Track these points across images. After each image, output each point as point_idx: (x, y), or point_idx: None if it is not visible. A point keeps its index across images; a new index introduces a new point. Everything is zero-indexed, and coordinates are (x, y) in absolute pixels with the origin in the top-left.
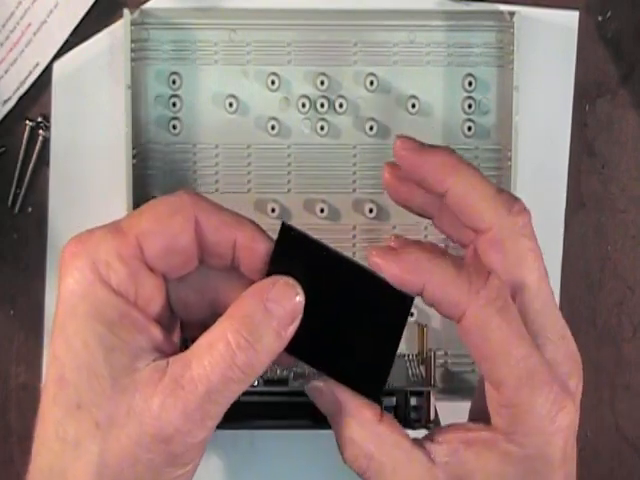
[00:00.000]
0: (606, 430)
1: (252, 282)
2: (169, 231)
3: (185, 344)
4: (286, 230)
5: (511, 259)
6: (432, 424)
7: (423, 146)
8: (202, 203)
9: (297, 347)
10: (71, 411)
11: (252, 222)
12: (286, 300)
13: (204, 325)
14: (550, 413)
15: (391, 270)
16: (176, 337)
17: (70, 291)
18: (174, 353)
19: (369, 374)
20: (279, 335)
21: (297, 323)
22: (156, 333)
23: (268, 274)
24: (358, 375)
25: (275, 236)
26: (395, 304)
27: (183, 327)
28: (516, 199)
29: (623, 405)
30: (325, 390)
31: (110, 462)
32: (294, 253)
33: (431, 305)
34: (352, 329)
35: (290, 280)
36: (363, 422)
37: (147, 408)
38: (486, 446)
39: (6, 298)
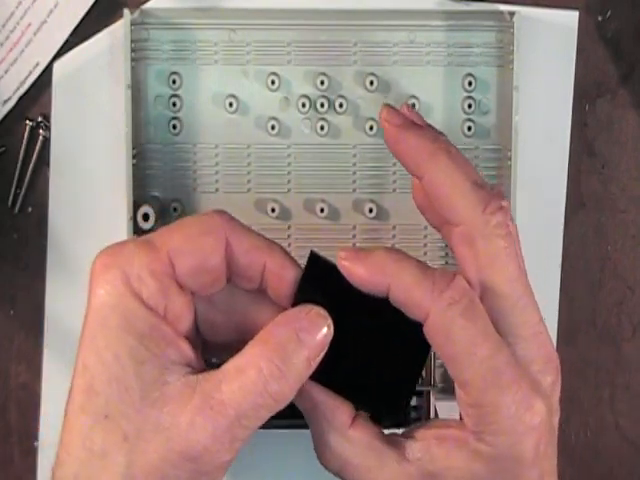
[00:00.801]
0: (606, 430)
1: (279, 308)
2: (200, 250)
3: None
4: (314, 259)
5: (481, 258)
6: None
7: (406, 125)
8: (234, 225)
9: (321, 373)
10: (99, 421)
11: (282, 248)
12: (317, 330)
13: (227, 347)
14: (518, 412)
15: (357, 271)
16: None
17: (101, 302)
18: (202, 371)
19: (390, 402)
20: (309, 364)
21: (324, 352)
22: (186, 348)
23: (295, 301)
24: (379, 402)
25: (274, 236)
26: (418, 336)
27: (205, 348)
28: (495, 195)
29: (623, 405)
30: (302, 388)
31: (136, 475)
32: (321, 282)
33: (399, 307)
34: (374, 358)
35: (321, 310)
36: (335, 426)
37: (176, 424)
38: (456, 444)
39: (6, 298)
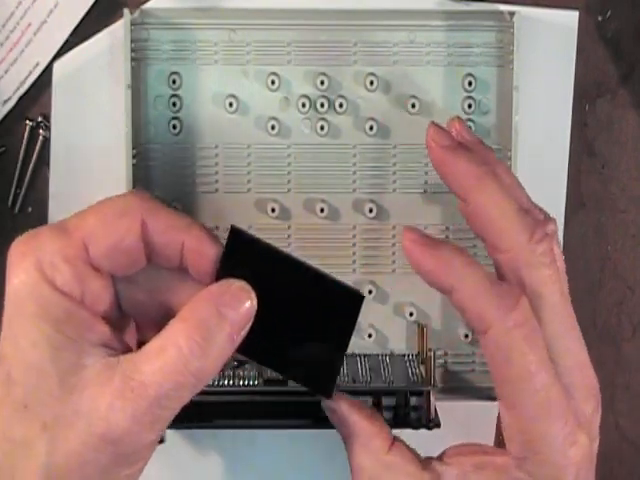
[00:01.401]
0: (606, 430)
1: (202, 285)
2: (115, 232)
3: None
4: (235, 233)
5: (528, 286)
6: (432, 423)
7: (453, 146)
8: (150, 204)
9: (248, 347)
10: (18, 411)
11: (202, 226)
12: (240, 304)
13: (158, 326)
14: (564, 446)
15: (426, 263)
16: (131, 337)
17: (16, 291)
18: (127, 352)
19: (320, 372)
20: (232, 339)
21: (249, 326)
22: (104, 330)
23: (217, 277)
24: (309, 373)
25: (274, 236)
26: (346, 303)
27: (138, 328)
28: (541, 223)
29: (623, 405)
30: (338, 411)
31: (58, 462)
32: (244, 257)
33: (457, 309)
34: (303, 328)
35: (244, 284)
36: (372, 450)
37: (95, 408)
38: (497, 471)
39: None
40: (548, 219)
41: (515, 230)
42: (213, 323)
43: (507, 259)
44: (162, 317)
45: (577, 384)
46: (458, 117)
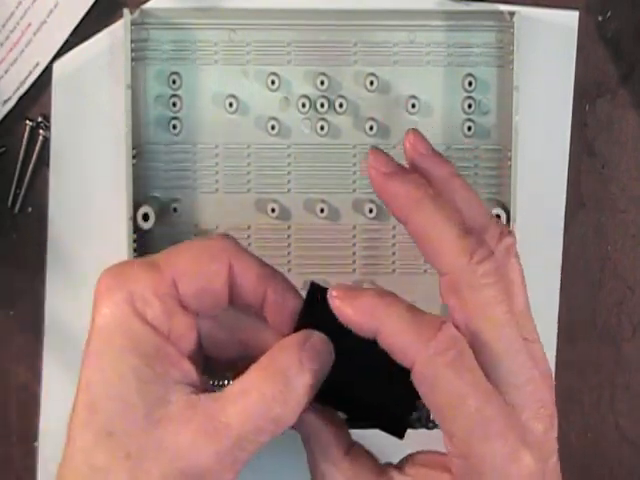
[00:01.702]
0: (606, 430)
1: (278, 332)
2: (205, 274)
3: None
4: (315, 290)
5: (470, 308)
6: (432, 424)
7: (392, 172)
8: (238, 251)
9: (323, 396)
10: (102, 438)
11: (283, 277)
12: (319, 356)
13: (231, 363)
14: (504, 465)
15: (346, 312)
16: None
17: (106, 322)
18: (204, 389)
19: (393, 418)
20: (311, 389)
21: (325, 377)
22: (188, 368)
23: (296, 329)
24: (383, 419)
25: (274, 236)
26: None
27: (209, 365)
28: (482, 243)
29: (623, 405)
30: (300, 416)
31: None
32: (321, 310)
33: (387, 351)
34: (374, 379)
35: (323, 336)
36: (329, 455)
37: (179, 443)
38: None
39: (6, 298)
40: (504, 235)
41: (454, 252)
42: (293, 372)
43: (448, 281)
44: (237, 357)
45: (526, 402)
46: (414, 129)
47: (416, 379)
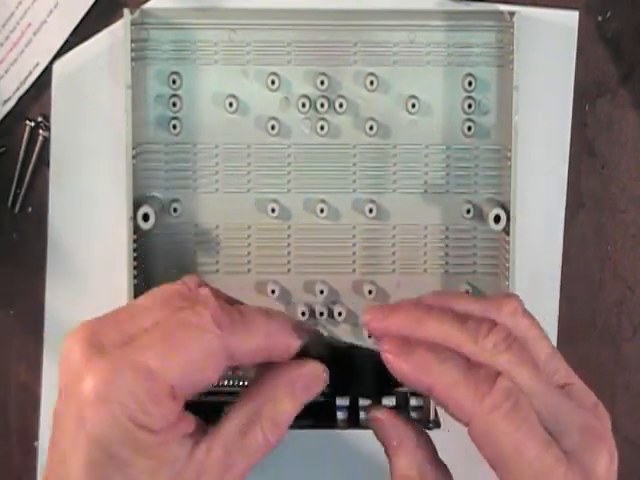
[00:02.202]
0: None
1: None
2: (202, 377)
3: None
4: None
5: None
6: (432, 424)
7: (399, 352)
8: (234, 340)
9: None
10: None
11: (285, 344)
12: (309, 388)
13: None
14: None
15: (401, 368)
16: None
17: (106, 437)
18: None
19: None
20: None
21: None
22: (189, 447)
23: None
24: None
25: (274, 236)
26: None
27: None
28: (485, 376)
29: (623, 405)
30: (385, 422)
31: None
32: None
33: (439, 405)
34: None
35: (316, 367)
36: (416, 462)
37: None
38: None
39: (6, 298)
40: (503, 302)
41: (468, 398)
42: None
43: (474, 431)
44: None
45: (583, 444)
46: (367, 309)
47: (473, 435)
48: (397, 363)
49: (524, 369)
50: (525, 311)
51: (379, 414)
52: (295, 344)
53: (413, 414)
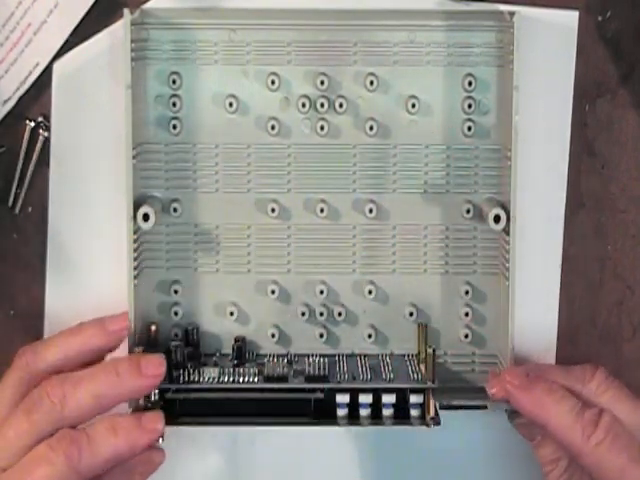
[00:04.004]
0: None
1: None
2: None
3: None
4: None
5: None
6: (432, 421)
7: (523, 382)
8: (84, 465)
9: None
10: None
11: (132, 451)
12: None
13: None
14: None
15: (520, 401)
16: None
17: None
18: None
19: None
20: None
21: None
22: None
23: None
24: None
25: (274, 236)
26: None
27: None
28: (589, 416)
29: None
30: (529, 424)
31: None
32: None
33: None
34: None
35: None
36: (556, 447)
37: None
38: None
39: (6, 298)
40: (588, 379)
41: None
42: None
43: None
44: None
45: None
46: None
47: (583, 464)
48: (518, 396)
49: (624, 404)
50: (606, 382)
51: (524, 420)
52: (142, 443)
53: (413, 411)
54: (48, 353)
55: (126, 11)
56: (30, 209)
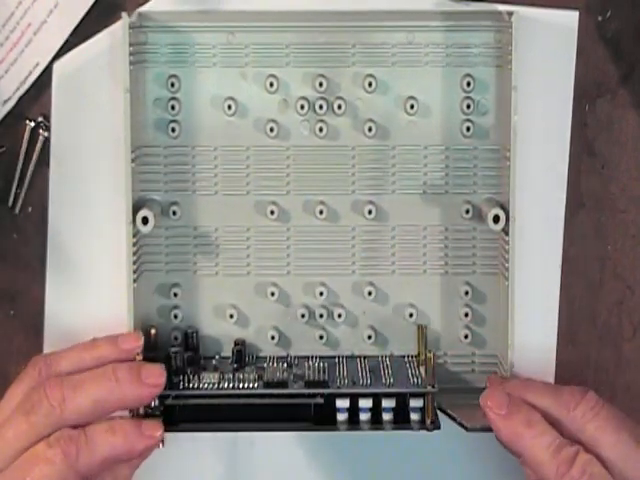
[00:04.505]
0: None
1: None
2: None
3: None
4: None
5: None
6: (432, 425)
7: (503, 407)
8: (81, 463)
9: None
10: None
11: (129, 452)
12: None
13: None
14: None
15: (498, 428)
16: None
17: None
18: None
19: None
20: None
21: None
22: None
23: None
24: None
25: (273, 238)
26: None
27: None
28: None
29: (623, 406)
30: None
31: None
32: None
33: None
34: None
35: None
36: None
37: None
38: None
39: (6, 298)
40: (577, 403)
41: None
42: None
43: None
44: None
45: None
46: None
47: None
48: (497, 425)
49: (608, 437)
50: (595, 408)
51: None
52: (139, 447)
53: (413, 415)
54: (61, 365)
55: (124, 14)
56: (30, 209)
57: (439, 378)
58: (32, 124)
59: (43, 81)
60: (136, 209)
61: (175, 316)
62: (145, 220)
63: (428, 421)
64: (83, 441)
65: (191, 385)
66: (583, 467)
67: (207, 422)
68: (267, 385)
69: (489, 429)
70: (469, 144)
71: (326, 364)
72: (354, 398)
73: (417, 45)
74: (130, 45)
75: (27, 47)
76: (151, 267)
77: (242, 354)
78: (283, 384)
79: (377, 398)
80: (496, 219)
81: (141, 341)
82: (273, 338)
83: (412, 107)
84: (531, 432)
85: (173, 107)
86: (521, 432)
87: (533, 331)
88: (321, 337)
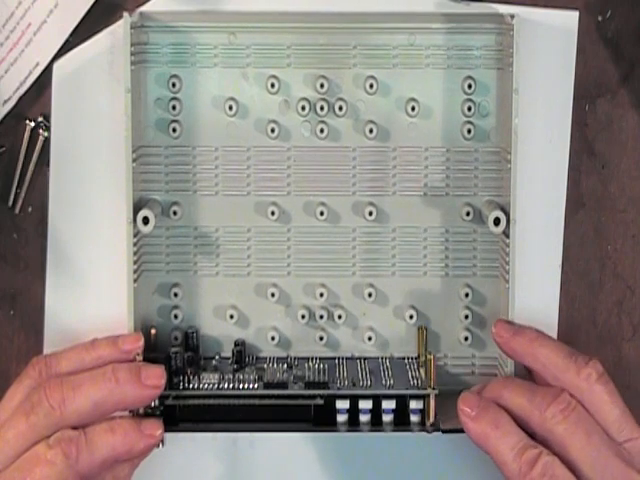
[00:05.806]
0: None
1: None
2: None
3: None
4: None
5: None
6: (432, 427)
7: (473, 409)
8: (81, 464)
9: None
10: None
11: (129, 451)
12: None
13: None
14: None
15: (468, 429)
16: None
17: None
18: None
19: None
20: None
21: None
22: None
23: None
24: None
25: (274, 239)
26: None
27: None
28: (547, 393)
29: None
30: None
31: None
32: None
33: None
34: None
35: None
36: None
37: None
38: None
39: (6, 298)
40: (582, 368)
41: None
42: None
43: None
44: None
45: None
46: (498, 321)
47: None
48: (467, 426)
49: (576, 441)
50: (600, 377)
51: None
52: (139, 447)
53: (413, 417)
54: (61, 366)
55: (126, 14)
56: (30, 209)
57: (439, 380)
58: (32, 124)
59: (43, 81)
60: (137, 209)
61: (175, 316)
62: (146, 220)
63: (428, 423)
64: (83, 442)
65: (191, 385)
66: (544, 469)
67: (207, 422)
68: (267, 386)
69: (462, 430)
70: (470, 146)
71: (326, 365)
72: (354, 399)
73: (418, 47)
74: (131, 45)
75: (27, 47)
76: (151, 267)
77: (242, 355)
78: (283, 385)
79: (377, 399)
80: (497, 222)
81: (141, 342)
82: (273, 339)
83: (413, 109)
84: (497, 433)
85: (174, 107)
86: (488, 433)
87: None
88: (321, 338)
